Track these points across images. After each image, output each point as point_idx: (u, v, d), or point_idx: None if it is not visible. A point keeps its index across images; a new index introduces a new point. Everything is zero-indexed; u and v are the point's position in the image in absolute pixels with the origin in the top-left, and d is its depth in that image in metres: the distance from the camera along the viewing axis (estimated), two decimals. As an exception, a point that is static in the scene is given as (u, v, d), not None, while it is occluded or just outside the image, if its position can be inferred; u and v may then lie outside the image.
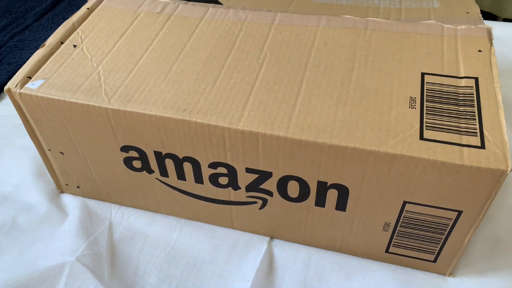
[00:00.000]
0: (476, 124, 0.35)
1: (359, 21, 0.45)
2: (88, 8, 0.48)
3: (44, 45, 0.43)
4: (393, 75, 0.39)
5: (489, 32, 0.42)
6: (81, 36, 0.45)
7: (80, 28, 0.46)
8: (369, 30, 0.44)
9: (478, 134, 0.34)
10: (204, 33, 0.44)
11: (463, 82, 0.38)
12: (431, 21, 0.44)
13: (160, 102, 0.38)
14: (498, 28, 0.77)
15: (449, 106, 0.36)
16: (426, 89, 0.37)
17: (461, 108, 0.36)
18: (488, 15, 1.21)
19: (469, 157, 0.32)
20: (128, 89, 0.39)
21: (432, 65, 0.40)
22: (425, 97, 0.37)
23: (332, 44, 0.42)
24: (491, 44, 0.41)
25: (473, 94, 0.37)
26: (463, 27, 0.43)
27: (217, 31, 0.44)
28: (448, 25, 0.43)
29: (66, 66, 0.41)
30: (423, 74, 0.39)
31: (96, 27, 0.46)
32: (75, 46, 0.43)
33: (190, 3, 0.49)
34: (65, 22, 0.46)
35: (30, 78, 0.40)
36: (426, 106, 0.36)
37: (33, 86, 0.40)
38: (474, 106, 0.36)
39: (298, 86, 0.38)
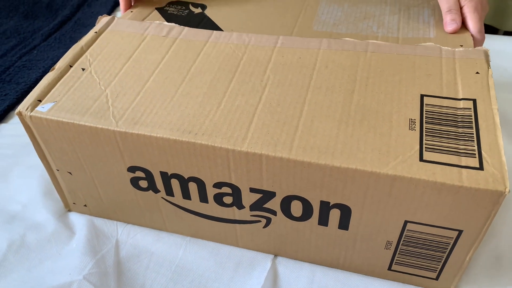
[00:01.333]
0: (474, 146, 0.35)
1: (359, 43, 0.46)
2: (96, 32, 0.49)
3: (54, 68, 0.45)
4: (392, 96, 0.40)
5: (486, 54, 0.43)
6: (89, 60, 0.46)
7: (88, 51, 0.47)
8: (369, 52, 0.45)
9: (477, 155, 0.35)
10: (209, 56, 0.45)
11: (461, 104, 0.39)
12: (430, 43, 0.45)
13: (166, 124, 0.39)
14: (499, 42, 0.79)
15: (448, 127, 0.37)
16: (426, 111, 0.38)
17: (459, 129, 0.37)
18: (488, 28, 1.22)
19: (468, 178, 0.33)
20: (135, 112, 0.40)
21: (431, 87, 0.41)
22: (424, 119, 0.38)
23: (333, 67, 0.43)
24: (489, 66, 0.42)
25: (471, 116, 0.38)
26: (461, 49, 0.44)
27: (222, 54, 0.46)
28: (446, 47, 0.44)
29: (75, 89, 0.43)
30: (422, 96, 0.40)
31: (104, 50, 0.47)
32: (83, 69, 0.45)
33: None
34: (74, 46, 0.47)
35: (40, 101, 0.42)
36: (426, 128, 0.37)
37: (43, 109, 0.41)
38: (472, 127, 0.37)
39: (300, 108, 0.39)
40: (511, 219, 0.49)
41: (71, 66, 0.45)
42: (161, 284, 0.44)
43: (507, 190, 0.32)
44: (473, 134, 0.36)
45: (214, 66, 0.44)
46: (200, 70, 0.44)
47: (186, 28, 0.50)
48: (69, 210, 0.52)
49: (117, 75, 0.44)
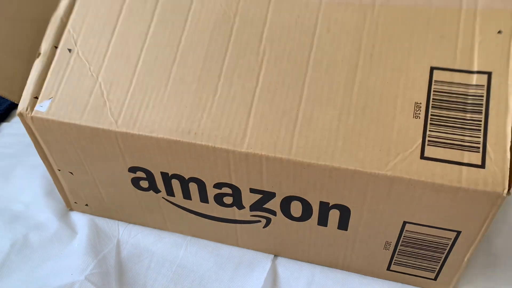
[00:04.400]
0: (480, 137, 0.34)
1: None
2: None
3: (40, 53, 0.43)
4: (400, 72, 0.37)
5: None
6: (73, 36, 0.43)
7: (69, 24, 0.44)
8: (377, 6, 0.40)
9: (481, 149, 0.33)
10: (198, 22, 0.42)
11: (474, 80, 0.36)
12: None
13: (165, 122, 0.38)
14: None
15: (456, 112, 0.35)
16: (434, 91, 0.36)
17: (467, 115, 0.35)
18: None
19: (467, 179, 0.33)
20: (132, 107, 0.39)
21: (443, 56, 0.37)
22: (431, 102, 0.36)
23: (335, 30, 0.40)
24: None
25: (482, 97, 0.35)
26: None
27: (211, 17, 0.42)
28: None
29: (67, 79, 0.41)
30: (432, 70, 0.37)
31: (86, 21, 0.44)
32: (70, 50, 0.43)
33: None
34: (52, 19, 0.44)
35: (37, 98, 0.41)
36: (431, 114, 0.35)
37: (42, 108, 0.40)
38: (481, 112, 0.35)
39: (299, 93, 0.37)
40: (509, 218, 0.49)
41: (56, 47, 0.43)
42: (162, 284, 0.45)
43: (505, 191, 0.32)
44: (481, 120, 0.34)
45: (205, 36, 0.41)
46: (190, 42, 0.41)
47: None
48: (71, 209, 0.52)
49: (105, 56, 0.42)
